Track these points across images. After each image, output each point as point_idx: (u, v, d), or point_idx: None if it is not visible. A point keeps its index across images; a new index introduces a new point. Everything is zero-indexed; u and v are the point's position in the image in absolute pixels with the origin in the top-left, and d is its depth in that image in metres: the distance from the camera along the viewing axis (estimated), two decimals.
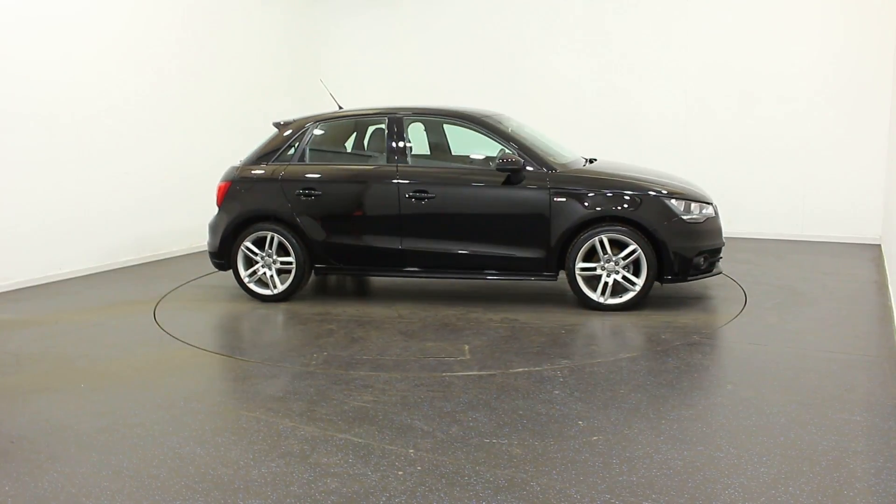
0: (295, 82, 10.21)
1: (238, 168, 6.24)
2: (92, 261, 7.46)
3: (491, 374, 4.20)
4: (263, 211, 6.02)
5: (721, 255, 5.76)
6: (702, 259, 5.51)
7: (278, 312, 5.80)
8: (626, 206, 5.40)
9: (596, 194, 5.47)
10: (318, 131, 6.32)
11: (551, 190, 5.50)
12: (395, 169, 5.82)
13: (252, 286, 6.10)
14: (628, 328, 5.11)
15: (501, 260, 5.66)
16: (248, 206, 6.05)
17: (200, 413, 3.78)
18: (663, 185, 5.59)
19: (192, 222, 8.59)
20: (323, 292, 6.48)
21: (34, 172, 6.89)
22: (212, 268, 7.57)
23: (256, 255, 6.05)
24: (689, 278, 5.52)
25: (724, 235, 5.82)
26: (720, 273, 5.83)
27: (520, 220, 5.58)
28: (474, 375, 4.20)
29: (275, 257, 6.02)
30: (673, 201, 5.46)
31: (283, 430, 3.51)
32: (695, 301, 5.78)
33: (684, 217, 5.44)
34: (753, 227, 8.45)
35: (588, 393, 3.90)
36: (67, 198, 7.20)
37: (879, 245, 7.64)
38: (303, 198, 5.92)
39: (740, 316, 5.29)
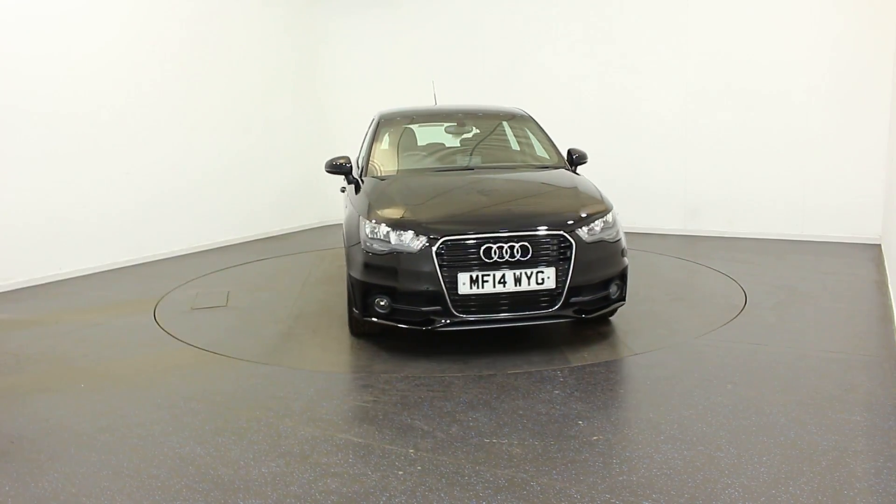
0: (294, 81, 10.22)
1: None
2: (92, 261, 7.46)
3: (491, 374, 4.20)
4: None
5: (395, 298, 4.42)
6: (383, 301, 4.47)
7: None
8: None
9: (347, 208, 5.24)
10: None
11: (348, 198, 5.43)
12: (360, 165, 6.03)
13: None
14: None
15: None
16: None
17: (200, 413, 3.78)
18: (384, 203, 4.75)
19: (192, 222, 8.60)
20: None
21: (34, 172, 6.89)
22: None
23: None
24: (368, 317, 4.56)
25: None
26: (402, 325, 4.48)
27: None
28: (474, 375, 4.20)
29: None
30: (361, 219, 4.67)
31: (283, 430, 3.51)
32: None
33: (363, 243, 4.57)
34: (753, 226, 8.45)
35: (588, 393, 3.90)
36: (68, 198, 7.21)
37: (879, 245, 7.64)
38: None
39: (740, 316, 5.29)
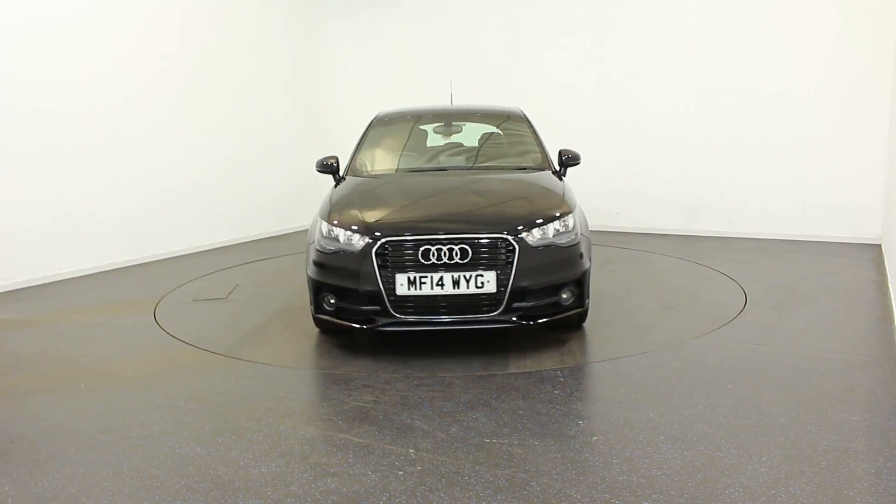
0: (295, 81, 10.21)
1: None
2: (92, 261, 7.46)
3: (491, 375, 4.20)
4: None
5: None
6: (332, 300, 4.58)
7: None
8: None
9: None
10: None
11: None
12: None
13: None
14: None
15: None
16: None
17: (200, 413, 3.78)
18: (335, 204, 4.87)
19: (192, 222, 8.60)
20: None
21: (35, 172, 6.89)
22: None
23: None
24: (320, 314, 4.72)
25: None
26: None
27: None
28: (474, 376, 4.20)
29: None
30: (319, 219, 4.81)
31: (283, 430, 3.52)
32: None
33: (317, 242, 4.69)
34: (753, 226, 8.45)
35: (588, 393, 3.90)
36: (68, 197, 7.20)
37: (879, 245, 7.64)
38: None
39: (740, 316, 5.29)
